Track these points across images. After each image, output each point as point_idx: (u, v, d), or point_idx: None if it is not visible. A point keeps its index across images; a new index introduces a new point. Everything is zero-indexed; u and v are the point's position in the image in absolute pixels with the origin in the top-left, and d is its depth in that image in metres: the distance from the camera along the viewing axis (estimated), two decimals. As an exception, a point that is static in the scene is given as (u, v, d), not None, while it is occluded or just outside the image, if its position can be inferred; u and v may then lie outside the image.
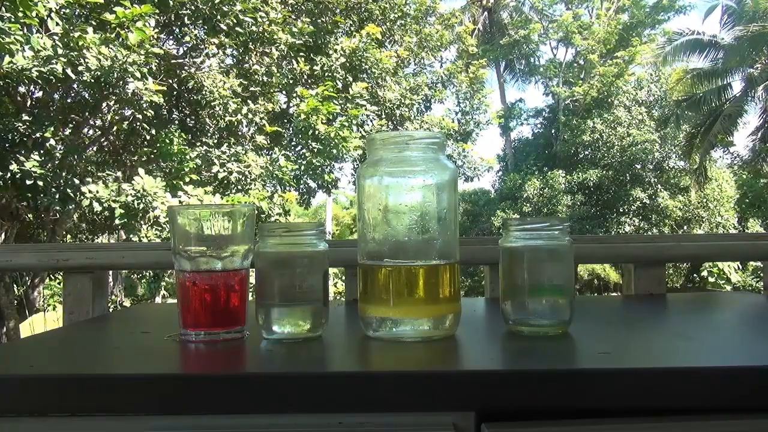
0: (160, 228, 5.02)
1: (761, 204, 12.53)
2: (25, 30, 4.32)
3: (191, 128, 6.29)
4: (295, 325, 0.73)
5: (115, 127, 5.72)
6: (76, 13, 5.01)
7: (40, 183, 4.65)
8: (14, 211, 5.45)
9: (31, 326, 6.01)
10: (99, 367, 0.66)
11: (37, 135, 4.84)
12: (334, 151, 5.85)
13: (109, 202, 4.83)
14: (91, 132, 6.14)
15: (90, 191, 4.86)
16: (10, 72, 4.26)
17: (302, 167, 6.07)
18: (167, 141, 5.40)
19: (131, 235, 5.06)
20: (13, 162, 4.61)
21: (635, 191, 14.07)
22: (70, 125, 5.64)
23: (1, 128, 4.82)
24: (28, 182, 4.61)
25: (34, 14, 4.16)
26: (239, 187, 5.68)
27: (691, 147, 13.64)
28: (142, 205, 4.84)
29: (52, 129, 4.93)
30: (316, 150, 5.90)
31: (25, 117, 4.90)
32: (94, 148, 6.15)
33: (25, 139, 4.82)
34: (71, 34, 4.46)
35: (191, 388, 0.57)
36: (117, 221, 4.90)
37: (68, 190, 4.90)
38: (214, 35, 5.66)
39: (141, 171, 5.09)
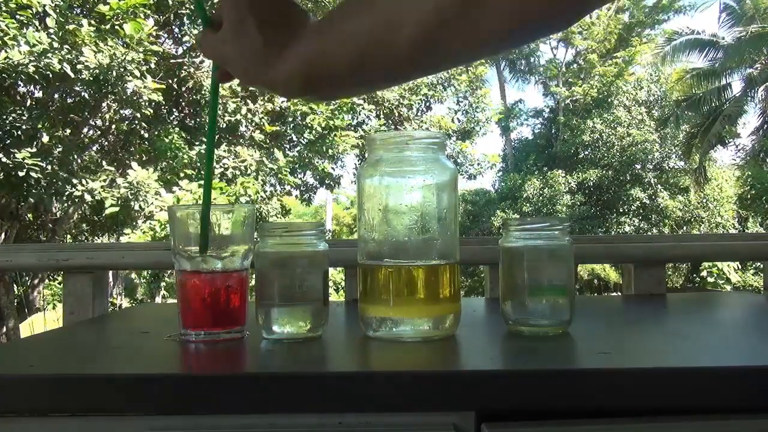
0: (154, 222, 5.00)
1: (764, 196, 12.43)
2: (24, 30, 4.31)
3: (191, 128, 6.29)
4: (295, 325, 0.73)
5: (114, 127, 5.71)
6: (75, 11, 5.00)
7: (34, 175, 4.63)
8: (14, 211, 5.44)
9: (31, 326, 6.00)
10: (99, 367, 0.66)
11: (29, 126, 4.82)
12: (326, 143, 5.87)
13: (101, 193, 4.82)
14: (90, 132, 6.14)
15: (82, 184, 4.85)
16: (6, 67, 4.25)
17: (296, 159, 6.08)
18: (164, 138, 5.40)
19: (124, 229, 5.05)
20: (5, 156, 4.59)
21: (635, 191, 14.06)
22: (71, 126, 5.63)
23: None
24: (20, 174, 4.59)
25: (25, 1, 4.15)
26: (232, 180, 5.67)
27: (690, 147, 13.64)
28: (139, 199, 4.83)
29: (45, 123, 4.91)
30: (308, 141, 5.91)
31: (20, 111, 4.88)
32: (94, 148, 6.15)
33: (19, 133, 4.80)
34: (66, 27, 4.45)
35: (191, 388, 0.57)
36: (108, 211, 4.87)
37: (61, 183, 4.88)
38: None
39: (134, 164, 5.08)
